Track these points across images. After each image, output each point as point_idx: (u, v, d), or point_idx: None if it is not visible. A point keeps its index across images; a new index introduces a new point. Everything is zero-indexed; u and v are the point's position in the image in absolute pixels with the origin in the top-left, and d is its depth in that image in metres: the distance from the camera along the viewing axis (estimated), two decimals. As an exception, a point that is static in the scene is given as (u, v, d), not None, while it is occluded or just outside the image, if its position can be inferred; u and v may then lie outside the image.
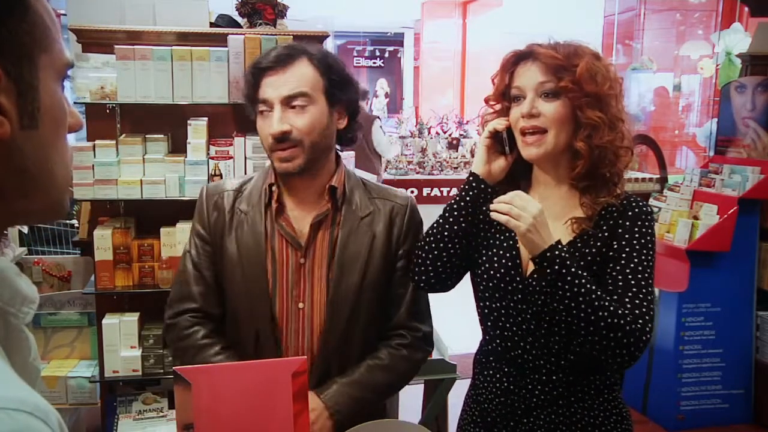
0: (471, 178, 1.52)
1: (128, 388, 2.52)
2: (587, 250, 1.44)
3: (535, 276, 1.44)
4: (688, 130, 6.86)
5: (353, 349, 1.56)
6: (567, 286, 1.33)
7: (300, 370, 1.36)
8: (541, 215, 1.36)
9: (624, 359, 1.36)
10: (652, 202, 3.81)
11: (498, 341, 1.53)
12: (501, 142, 1.51)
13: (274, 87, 1.49)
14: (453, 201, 1.53)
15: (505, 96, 1.51)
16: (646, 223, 1.45)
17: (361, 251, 1.54)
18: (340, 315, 1.53)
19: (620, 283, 1.39)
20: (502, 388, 1.52)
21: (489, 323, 1.55)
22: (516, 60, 1.48)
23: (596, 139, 1.41)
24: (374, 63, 15.13)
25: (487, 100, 1.56)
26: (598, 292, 1.34)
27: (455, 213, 1.51)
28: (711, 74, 6.09)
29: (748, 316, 3.59)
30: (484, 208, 1.49)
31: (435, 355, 2.62)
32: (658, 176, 4.38)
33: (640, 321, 1.34)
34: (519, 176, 1.55)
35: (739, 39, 5.18)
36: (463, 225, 1.51)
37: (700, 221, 3.46)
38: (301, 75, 1.49)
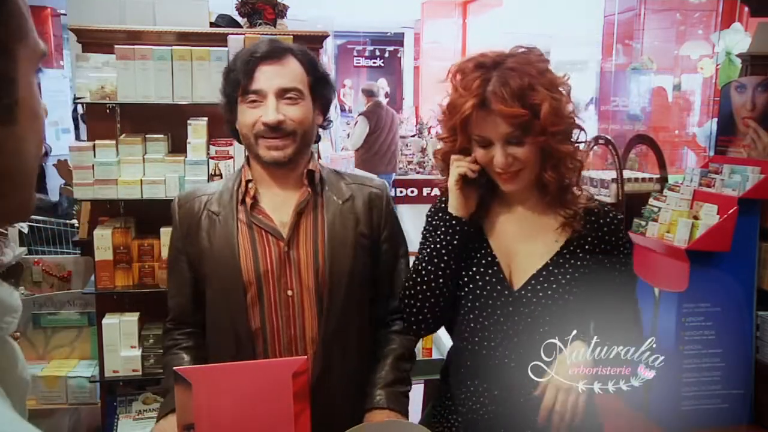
0: (454, 222, 1.49)
1: (128, 388, 2.53)
2: (581, 253, 1.48)
3: (528, 287, 1.47)
4: (688, 130, 6.85)
5: (353, 330, 1.59)
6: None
7: (300, 370, 1.36)
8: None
9: None
10: (652, 202, 3.80)
11: (486, 360, 1.51)
12: (471, 179, 1.49)
13: (268, 77, 1.50)
14: (439, 246, 1.49)
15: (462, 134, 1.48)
16: (621, 233, 1.53)
17: (349, 234, 1.57)
18: (336, 298, 1.54)
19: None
20: (491, 408, 1.50)
21: (476, 340, 1.53)
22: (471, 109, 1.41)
23: (563, 167, 1.44)
24: (374, 63, 15.12)
25: (442, 139, 1.55)
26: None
27: (445, 258, 1.49)
28: (711, 74, 6.08)
29: (748, 316, 3.57)
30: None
31: (435, 355, 2.61)
32: (658, 176, 4.35)
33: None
34: (484, 193, 1.55)
35: (739, 39, 5.17)
36: (454, 267, 1.50)
37: (700, 221, 3.44)
38: (293, 70, 1.53)
